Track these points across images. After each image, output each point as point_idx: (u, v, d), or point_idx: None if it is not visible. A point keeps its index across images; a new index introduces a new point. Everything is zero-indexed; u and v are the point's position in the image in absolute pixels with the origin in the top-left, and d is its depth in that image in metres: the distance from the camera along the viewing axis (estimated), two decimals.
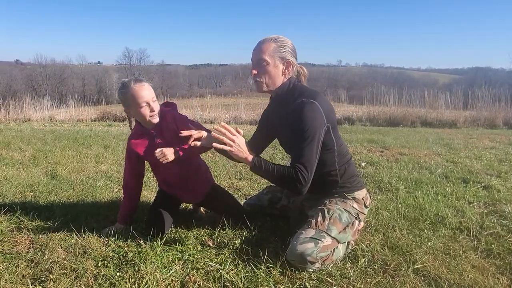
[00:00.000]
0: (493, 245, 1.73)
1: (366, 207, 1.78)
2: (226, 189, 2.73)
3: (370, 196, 1.86)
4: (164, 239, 1.74)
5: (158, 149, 1.69)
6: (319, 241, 1.51)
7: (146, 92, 1.71)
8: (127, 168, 1.94)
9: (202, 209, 2.24)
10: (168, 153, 1.69)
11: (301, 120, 1.54)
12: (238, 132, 1.61)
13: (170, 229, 1.90)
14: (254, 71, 1.67)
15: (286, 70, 1.67)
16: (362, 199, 1.76)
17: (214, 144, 1.58)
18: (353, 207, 1.71)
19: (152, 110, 1.74)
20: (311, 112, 1.55)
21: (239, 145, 1.58)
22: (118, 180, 2.97)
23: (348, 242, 1.67)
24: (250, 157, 1.59)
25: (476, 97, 10.32)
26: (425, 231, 1.90)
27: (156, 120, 1.78)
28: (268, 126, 1.87)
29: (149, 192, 2.64)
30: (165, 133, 1.82)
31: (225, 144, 1.56)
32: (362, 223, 1.78)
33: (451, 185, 2.85)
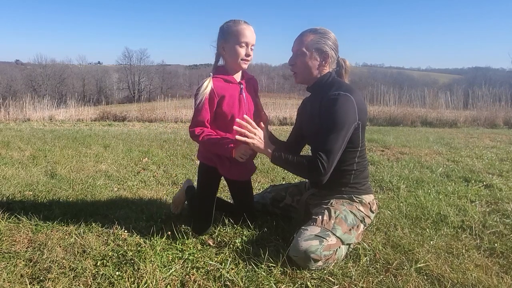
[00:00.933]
0: (496, 244, 1.72)
1: (372, 212, 1.77)
2: (226, 188, 2.73)
3: (376, 202, 1.84)
4: (163, 238, 1.72)
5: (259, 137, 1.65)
6: (324, 240, 1.49)
7: (250, 34, 1.67)
8: (204, 112, 1.66)
9: None
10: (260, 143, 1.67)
11: (333, 111, 1.54)
12: (259, 126, 1.66)
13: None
14: (291, 62, 1.72)
15: (324, 62, 1.68)
16: (369, 203, 1.75)
17: (237, 137, 1.60)
18: (359, 210, 1.70)
19: (247, 55, 1.68)
20: (345, 104, 1.55)
21: (260, 137, 1.63)
22: (118, 179, 2.95)
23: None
24: (270, 149, 1.63)
25: (476, 96, 10.36)
26: (427, 230, 1.88)
27: (245, 66, 1.71)
28: (301, 118, 1.91)
29: (148, 191, 2.62)
30: (249, 90, 1.80)
31: (247, 137, 1.59)
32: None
33: (453, 184, 2.84)
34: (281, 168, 3.35)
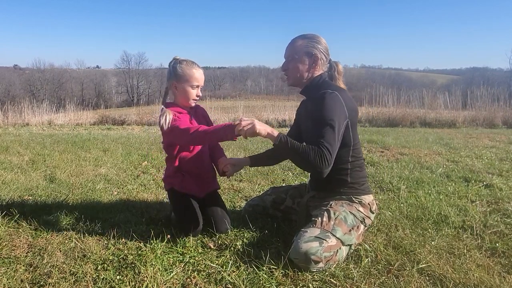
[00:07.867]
0: (497, 244, 1.71)
1: (372, 212, 1.77)
2: (226, 190, 2.74)
3: (376, 203, 1.84)
4: (164, 241, 1.72)
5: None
6: (324, 241, 1.49)
7: (201, 77, 1.87)
8: (179, 122, 1.77)
9: None
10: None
11: (322, 108, 1.59)
12: None
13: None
14: (284, 68, 1.80)
15: (314, 64, 1.75)
16: (369, 204, 1.75)
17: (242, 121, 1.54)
18: (358, 210, 1.69)
19: (198, 95, 1.87)
20: (332, 101, 1.60)
21: (259, 122, 1.55)
22: (117, 183, 2.95)
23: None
24: (275, 132, 1.58)
25: (475, 97, 10.36)
26: (428, 230, 1.88)
27: (193, 104, 1.91)
28: (298, 119, 1.98)
29: (148, 194, 2.62)
30: (197, 116, 1.97)
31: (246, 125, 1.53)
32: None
33: (453, 184, 2.84)
34: (281, 170, 3.36)
